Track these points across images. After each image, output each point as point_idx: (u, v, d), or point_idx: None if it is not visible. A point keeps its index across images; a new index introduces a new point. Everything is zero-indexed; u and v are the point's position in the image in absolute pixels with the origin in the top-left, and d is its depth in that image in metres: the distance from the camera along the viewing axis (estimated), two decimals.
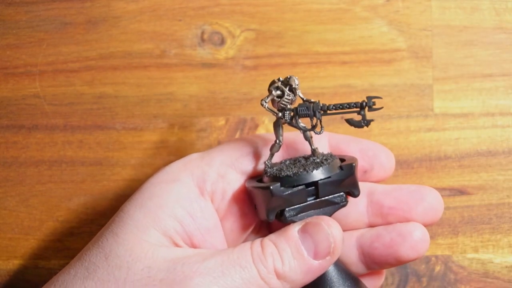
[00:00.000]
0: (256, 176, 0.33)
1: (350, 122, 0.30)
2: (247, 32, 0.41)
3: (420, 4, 0.41)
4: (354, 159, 0.32)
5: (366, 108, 0.30)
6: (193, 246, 0.31)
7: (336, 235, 0.30)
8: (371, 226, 0.34)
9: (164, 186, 0.31)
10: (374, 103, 0.30)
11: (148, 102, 0.42)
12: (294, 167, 0.31)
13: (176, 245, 0.30)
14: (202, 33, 0.42)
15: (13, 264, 0.42)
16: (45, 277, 0.42)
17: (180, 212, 0.31)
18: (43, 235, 0.42)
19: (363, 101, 0.30)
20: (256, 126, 0.41)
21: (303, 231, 0.30)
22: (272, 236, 0.30)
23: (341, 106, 0.30)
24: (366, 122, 0.30)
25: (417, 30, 0.41)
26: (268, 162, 0.32)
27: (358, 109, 0.30)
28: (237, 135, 0.41)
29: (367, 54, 0.41)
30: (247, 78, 0.41)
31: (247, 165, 0.33)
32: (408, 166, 0.41)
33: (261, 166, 0.33)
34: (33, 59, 0.42)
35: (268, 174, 0.31)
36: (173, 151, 0.41)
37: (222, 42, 0.42)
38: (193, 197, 0.31)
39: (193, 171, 0.32)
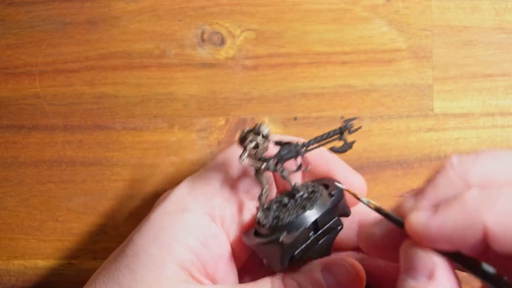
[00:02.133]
0: (248, 229, 0.33)
1: (334, 150, 0.31)
2: (247, 32, 0.41)
3: (420, 4, 0.41)
4: (335, 182, 0.32)
5: (346, 132, 0.30)
6: (207, 274, 0.31)
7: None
8: None
9: (174, 217, 0.31)
10: (352, 125, 0.30)
11: (148, 102, 0.42)
12: (287, 210, 0.31)
13: (192, 276, 0.30)
14: (202, 33, 0.42)
15: (13, 264, 0.42)
16: (45, 277, 0.42)
17: (194, 242, 0.31)
18: (43, 235, 0.42)
19: (341, 126, 0.30)
20: None
21: (326, 270, 0.30)
22: (294, 275, 0.30)
23: (321, 138, 0.31)
24: (348, 146, 0.31)
25: (417, 30, 0.41)
26: (260, 216, 0.32)
27: (338, 135, 0.31)
28: (237, 135, 0.41)
29: (367, 54, 0.41)
30: (247, 78, 0.41)
31: (247, 186, 0.33)
32: (408, 166, 0.41)
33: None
34: (33, 59, 0.42)
35: (267, 226, 0.31)
36: (173, 151, 0.42)
37: (222, 42, 0.42)
38: (205, 225, 0.31)
39: (199, 198, 0.32)
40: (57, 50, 0.42)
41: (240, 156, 0.30)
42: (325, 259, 0.30)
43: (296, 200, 0.31)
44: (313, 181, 0.33)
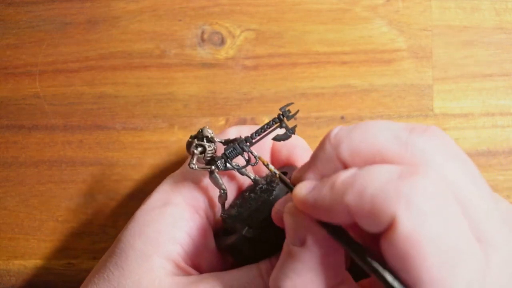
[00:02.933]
0: (218, 230, 0.33)
1: (277, 138, 0.31)
2: (247, 32, 0.41)
3: (420, 4, 0.41)
4: (294, 169, 0.33)
5: (285, 119, 0.31)
6: (193, 264, 0.32)
7: None
8: None
9: (158, 211, 0.32)
10: (289, 111, 0.31)
11: (148, 102, 0.42)
12: (248, 203, 0.31)
13: (179, 267, 0.31)
14: (202, 33, 0.42)
15: (13, 264, 0.42)
16: (45, 277, 0.42)
17: (178, 233, 0.31)
18: (43, 235, 0.42)
19: (279, 114, 0.31)
20: None
21: None
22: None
23: (262, 130, 0.31)
24: (291, 131, 0.31)
25: (417, 30, 0.41)
26: (224, 214, 0.32)
27: (278, 123, 0.31)
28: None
29: (367, 54, 0.41)
30: (247, 78, 0.41)
31: (228, 177, 0.33)
32: None
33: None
34: (33, 59, 0.42)
35: (231, 223, 0.31)
36: (173, 151, 0.41)
37: (222, 42, 0.42)
38: (187, 216, 0.32)
39: (182, 191, 0.32)
40: (57, 50, 0.42)
41: (189, 163, 0.31)
42: None
43: (257, 192, 0.31)
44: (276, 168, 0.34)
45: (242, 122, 0.41)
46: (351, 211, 0.22)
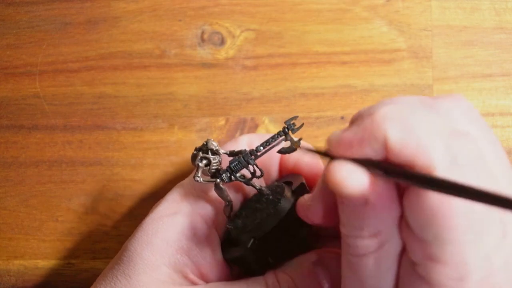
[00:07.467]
0: (224, 240, 0.33)
1: (282, 151, 0.31)
2: (247, 32, 0.41)
3: (420, 4, 0.41)
4: (299, 177, 0.33)
5: (290, 132, 0.31)
6: (200, 274, 0.32)
7: None
8: None
9: (166, 220, 0.32)
10: (294, 125, 0.31)
11: (148, 102, 0.42)
12: (254, 215, 0.31)
13: (187, 278, 0.31)
14: (202, 33, 0.42)
15: (13, 264, 0.42)
16: (45, 277, 0.42)
17: (187, 244, 0.31)
18: (43, 235, 0.42)
19: (284, 127, 0.31)
20: (256, 126, 0.41)
21: (319, 263, 0.30)
22: (286, 269, 0.30)
23: (267, 143, 0.31)
24: (296, 144, 0.31)
25: (417, 30, 0.41)
26: (229, 226, 0.32)
27: (284, 136, 0.31)
28: (237, 135, 0.41)
29: (367, 54, 0.41)
30: (247, 78, 0.41)
31: (237, 187, 0.33)
32: None
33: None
34: (33, 59, 0.42)
35: (236, 235, 0.31)
36: (173, 151, 0.42)
37: (222, 42, 0.42)
38: (197, 226, 0.32)
39: (191, 201, 0.32)
40: (57, 50, 0.42)
41: (194, 176, 0.31)
42: (315, 252, 0.31)
43: (262, 203, 0.31)
44: (278, 180, 0.34)
45: (242, 122, 0.41)
46: (388, 145, 0.22)
